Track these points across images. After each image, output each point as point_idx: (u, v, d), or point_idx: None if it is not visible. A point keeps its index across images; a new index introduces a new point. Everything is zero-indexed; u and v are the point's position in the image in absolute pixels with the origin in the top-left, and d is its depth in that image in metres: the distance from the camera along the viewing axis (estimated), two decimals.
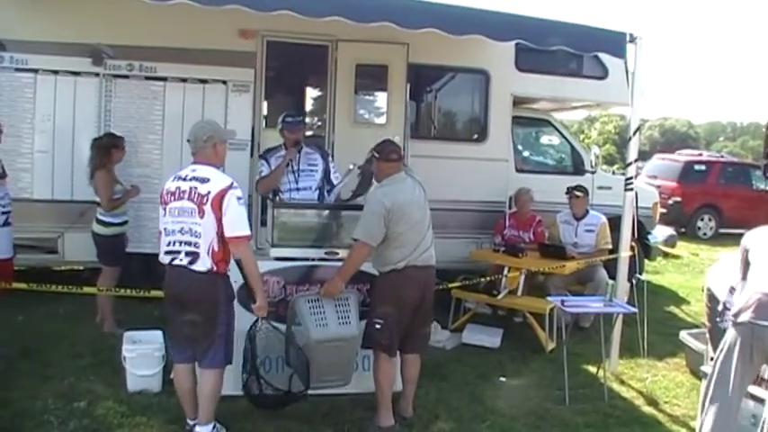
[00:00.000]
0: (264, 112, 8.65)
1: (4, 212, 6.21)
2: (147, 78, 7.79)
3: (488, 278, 7.65)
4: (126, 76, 7.74)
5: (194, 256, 4.60)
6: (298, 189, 6.49)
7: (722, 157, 22.79)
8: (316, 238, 6.00)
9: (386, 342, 5.09)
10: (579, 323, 7.75)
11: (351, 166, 6.86)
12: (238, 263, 4.64)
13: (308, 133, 8.07)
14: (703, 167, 18.88)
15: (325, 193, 6.61)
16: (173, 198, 4.68)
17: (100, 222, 6.91)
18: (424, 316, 5.36)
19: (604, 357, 6.45)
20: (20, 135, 7.50)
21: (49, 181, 7.63)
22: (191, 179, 4.67)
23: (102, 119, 7.70)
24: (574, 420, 5.60)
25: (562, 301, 6.41)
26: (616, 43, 6.47)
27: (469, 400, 5.85)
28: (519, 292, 7.67)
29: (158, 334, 5.92)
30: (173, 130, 7.66)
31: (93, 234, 6.98)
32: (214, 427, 4.73)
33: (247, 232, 4.67)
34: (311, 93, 11.34)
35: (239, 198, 4.62)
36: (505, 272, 7.62)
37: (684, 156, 20.36)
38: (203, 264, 4.59)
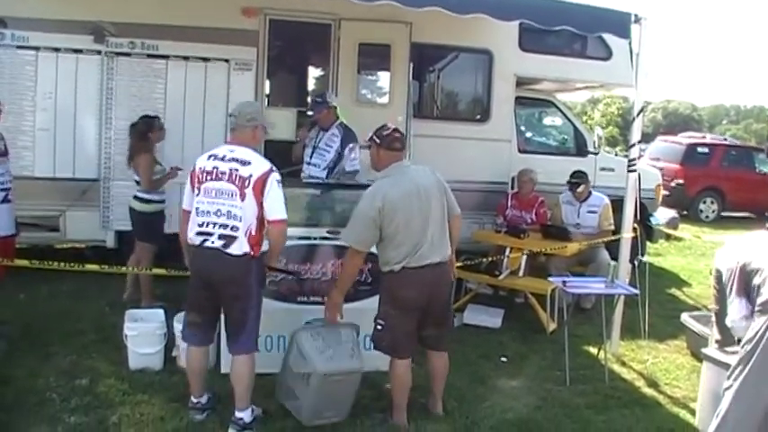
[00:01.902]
0: (267, 90, 8.63)
1: (3, 189, 6.19)
2: (149, 56, 7.75)
3: (490, 258, 7.65)
4: (128, 54, 7.70)
5: (230, 240, 4.53)
6: (309, 163, 6.89)
7: (725, 140, 22.73)
8: (317, 217, 6.00)
9: (386, 344, 4.91)
10: (581, 304, 7.75)
11: (352, 146, 6.90)
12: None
13: (311, 113, 8.05)
14: (706, 150, 18.82)
15: (340, 176, 6.72)
16: (209, 177, 4.59)
17: (140, 200, 6.96)
18: (437, 315, 4.98)
19: (605, 339, 6.45)
20: (21, 113, 7.48)
21: (50, 159, 7.61)
22: (230, 159, 4.59)
23: (103, 97, 7.68)
24: (574, 401, 5.61)
25: (564, 282, 6.39)
26: (620, 24, 6.42)
27: (470, 381, 5.86)
28: (520, 273, 7.66)
29: (160, 312, 5.94)
30: (174, 108, 7.67)
31: (131, 211, 7.02)
32: (252, 411, 4.73)
33: (285, 216, 4.63)
34: (314, 72, 11.34)
35: (279, 181, 4.58)
36: (507, 252, 7.61)
37: (687, 138, 20.29)
38: (240, 247, 4.53)
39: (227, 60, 7.93)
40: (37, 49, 7.48)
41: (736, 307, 4.61)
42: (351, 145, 6.90)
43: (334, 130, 6.98)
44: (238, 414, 4.67)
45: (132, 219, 7.05)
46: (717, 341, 5.30)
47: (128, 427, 4.67)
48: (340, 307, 4.94)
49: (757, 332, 4.27)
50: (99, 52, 7.63)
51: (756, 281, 4.43)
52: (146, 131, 7.01)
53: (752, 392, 4.28)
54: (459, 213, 5.11)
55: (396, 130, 4.97)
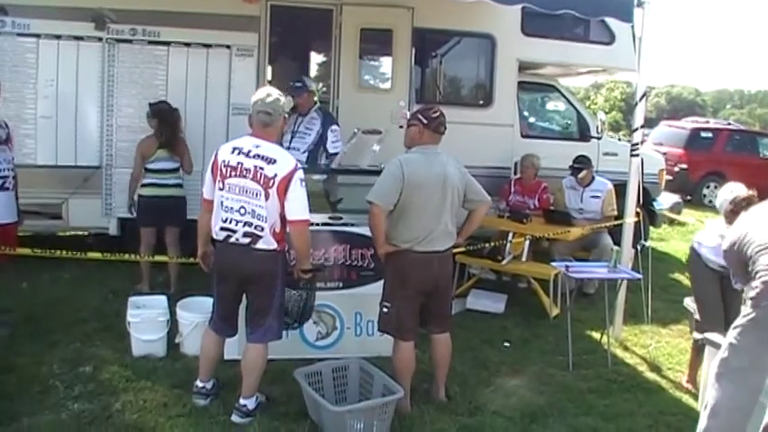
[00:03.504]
0: (269, 76, 8.61)
1: (1, 177, 6.13)
2: (151, 43, 7.72)
3: (493, 244, 7.64)
4: (129, 41, 7.67)
5: (256, 237, 4.52)
6: (290, 148, 6.80)
7: (729, 124, 22.66)
8: (319, 203, 5.99)
9: (392, 326, 4.96)
10: (583, 289, 7.77)
11: (355, 131, 6.89)
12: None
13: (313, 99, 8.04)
14: (710, 135, 18.76)
15: (321, 158, 6.80)
16: (233, 173, 4.53)
17: (180, 186, 7.07)
18: (442, 299, 5.11)
19: (608, 323, 6.46)
20: (23, 101, 7.48)
21: (52, 146, 7.61)
22: (254, 156, 4.52)
23: (105, 84, 7.66)
24: (577, 386, 5.62)
25: (567, 267, 6.38)
26: (623, 8, 6.40)
27: (473, 365, 5.87)
28: (523, 258, 7.67)
29: (163, 299, 5.96)
30: (176, 94, 7.62)
31: (171, 199, 7.02)
32: (257, 398, 4.75)
33: (308, 216, 4.61)
34: (315, 57, 11.32)
35: (302, 180, 4.54)
36: (510, 237, 7.61)
37: (691, 123, 20.23)
38: (265, 243, 4.53)
39: (228, 46, 7.89)
40: (38, 36, 7.46)
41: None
42: (333, 127, 7.10)
43: (312, 114, 7.17)
44: (243, 401, 4.68)
45: (167, 207, 7.01)
46: (697, 321, 5.35)
47: (131, 414, 4.68)
48: (388, 248, 4.88)
49: (744, 324, 4.23)
50: (100, 39, 7.61)
51: (750, 268, 4.38)
52: (177, 114, 7.17)
53: (742, 386, 4.24)
54: (488, 202, 5.27)
55: (442, 114, 5.01)
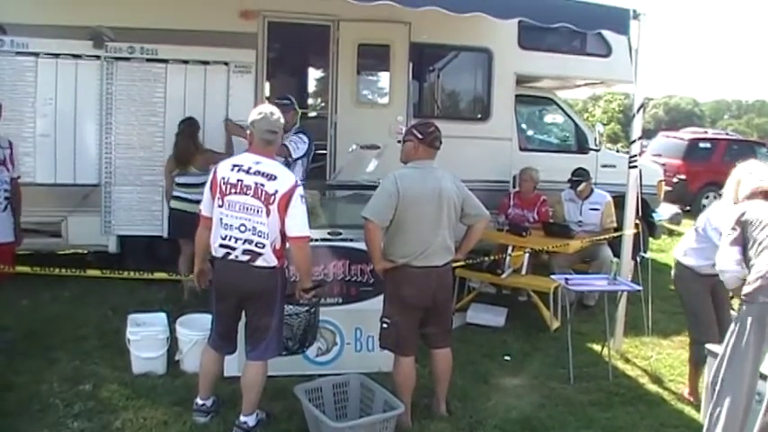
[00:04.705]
0: (267, 93, 8.62)
1: None
2: (149, 61, 7.74)
3: (493, 257, 7.64)
4: (127, 59, 7.69)
5: (255, 255, 4.49)
6: None
7: (727, 134, 22.68)
8: (318, 219, 5.99)
9: (392, 342, 4.96)
10: (584, 301, 7.76)
11: (353, 147, 6.89)
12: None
13: (312, 114, 8.05)
14: (708, 145, 18.74)
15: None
16: (233, 191, 4.51)
17: (196, 202, 6.91)
18: (441, 313, 5.08)
19: (609, 336, 6.45)
20: (22, 119, 7.48)
21: (51, 165, 7.61)
22: (255, 173, 4.50)
23: (103, 102, 7.68)
24: (578, 399, 5.60)
25: (566, 280, 6.37)
26: (620, 20, 6.42)
27: (474, 379, 5.85)
28: (523, 271, 7.65)
29: (162, 316, 5.94)
30: (174, 112, 7.64)
31: (183, 213, 6.99)
32: (257, 415, 4.73)
33: (308, 232, 4.60)
34: (313, 73, 11.36)
35: (302, 196, 4.53)
36: (510, 251, 7.60)
37: (689, 134, 20.24)
38: (266, 261, 4.51)
39: (226, 63, 7.92)
40: (36, 55, 7.48)
41: (731, 255, 4.50)
42: (300, 134, 6.79)
43: (300, 135, 6.80)
44: (243, 418, 4.66)
45: (185, 221, 6.78)
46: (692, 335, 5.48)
47: None
48: (385, 264, 4.89)
49: (739, 324, 4.24)
50: (98, 57, 7.63)
51: (749, 251, 4.37)
52: (195, 132, 7.18)
53: (742, 390, 4.25)
54: (486, 217, 5.23)
55: (437, 129, 5.01)
